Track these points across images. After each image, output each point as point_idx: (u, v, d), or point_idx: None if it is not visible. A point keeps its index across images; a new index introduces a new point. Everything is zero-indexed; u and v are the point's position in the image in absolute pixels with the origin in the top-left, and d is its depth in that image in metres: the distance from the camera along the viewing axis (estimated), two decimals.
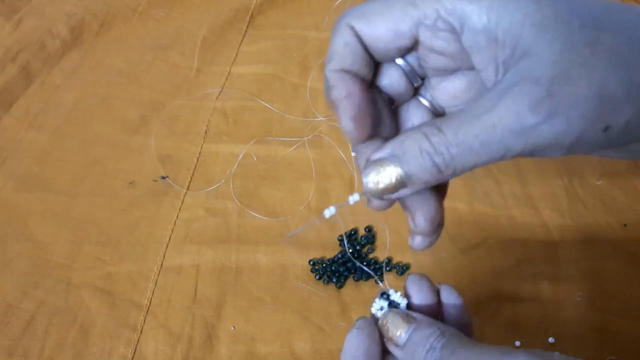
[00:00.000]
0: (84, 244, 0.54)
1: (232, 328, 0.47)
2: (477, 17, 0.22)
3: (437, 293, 0.29)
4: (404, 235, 0.54)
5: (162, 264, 0.52)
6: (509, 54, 0.22)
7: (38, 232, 0.55)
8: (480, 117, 0.21)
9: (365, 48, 0.25)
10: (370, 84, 0.26)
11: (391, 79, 0.27)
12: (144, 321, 0.48)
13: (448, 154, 0.22)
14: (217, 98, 0.71)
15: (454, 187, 0.58)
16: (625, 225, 0.55)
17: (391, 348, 0.27)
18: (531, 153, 0.21)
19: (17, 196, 0.59)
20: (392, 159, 0.23)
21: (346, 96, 0.24)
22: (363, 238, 0.54)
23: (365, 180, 0.24)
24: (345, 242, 0.53)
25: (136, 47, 0.80)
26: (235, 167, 0.61)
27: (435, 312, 0.29)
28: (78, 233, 0.55)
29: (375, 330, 0.27)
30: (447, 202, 0.58)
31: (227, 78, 0.75)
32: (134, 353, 0.46)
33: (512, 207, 0.57)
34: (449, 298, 0.29)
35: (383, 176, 0.23)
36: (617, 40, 0.21)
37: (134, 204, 0.58)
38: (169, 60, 0.78)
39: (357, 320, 0.27)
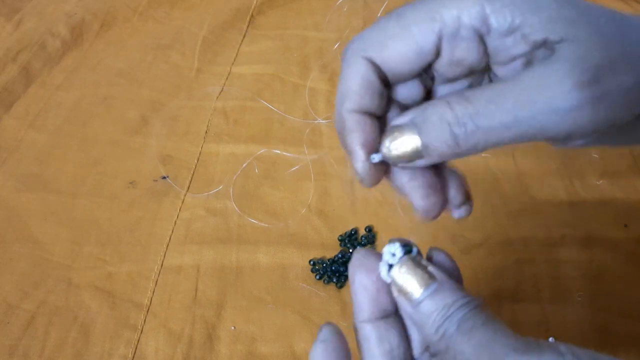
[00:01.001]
0: (84, 244, 0.54)
1: (232, 328, 0.47)
2: (502, 18, 0.22)
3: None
4: (404, 235, 0.54)
5: (162, 264, 0.52)
6: (540, 44, 0.21)
7: (38, 232, 0.55)
8: (516, 92, 0.20)
9: (382, 77, 0.23)
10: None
11: (405, 95, 0.25)
12: (145, 321, 0.48)
13: (472, 125, 0.21)
14: (217, 98, 0.71)
15: None
16: (625, 225, 0.55)
17: (400, 301, 0.23)
18: (565, 137, 0.21)
19: (17, 196, 0.59)
20: (411, 126, 0.22)
21: (363, 144, 0.23)
22: (363, 238, 0.54)
23: (381, 145, 0.23)
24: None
25: (136, 47, 0.80)
26: (237, 175, 0.61)
27: None
28: (78, 233, 0.55)
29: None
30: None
31: (227, 78, 0.75)
32: (135, 353, 0.46)
33: (512, 208, 0.57)
34: (440, 259, 0.26)
35: (399, 143, 0.22)
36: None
37: (134, 204, 0.58)
38: (169, 60, 0.78)
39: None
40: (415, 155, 0.22)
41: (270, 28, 0.84)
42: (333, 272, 0.50)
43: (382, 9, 0.82)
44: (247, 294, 0.50)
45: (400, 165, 0.23)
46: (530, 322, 0.47)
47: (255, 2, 0.87)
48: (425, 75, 0.25)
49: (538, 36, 0.21)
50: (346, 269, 0.51)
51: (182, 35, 0.82)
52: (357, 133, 0.23)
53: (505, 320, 0.50)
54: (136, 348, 0.46)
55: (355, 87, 0.23)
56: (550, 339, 0.48)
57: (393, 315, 0.24)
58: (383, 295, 0.24)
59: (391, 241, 0.25)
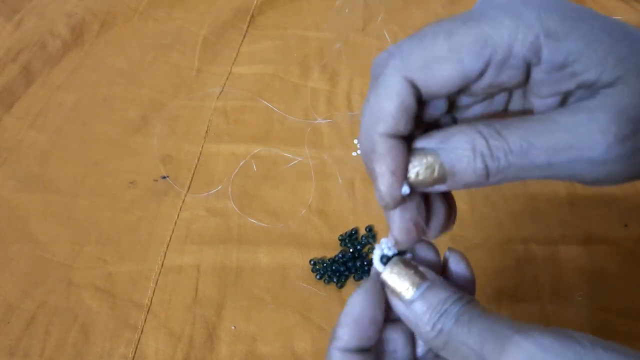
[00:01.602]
0: (84, 244, 0.54)
1: (232, 328, 0.47)
2: (556, 52, 0.20)
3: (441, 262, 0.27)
4: None
5: (162, 264, 0.52)
6: (587, 85, 0.20)
7: (39, 232, 0.55)
8: (553, 135, 0.20)
9: (418, 98, 0.22)
10: None
11: (433, 112, 0.24)
12: (145, 321, 0.48)
13: (505, 161, 0.20)
14: (217, 98, 0.71)
15: None
16: (625, 225, 0.55)
17: (394, 303, 0.24)
18: (594, 182, 0.21)
19: (17, 196, 0.59)
20: (438, 150, 0.21)
21: (394, 171, 0.22)
22: (364, 238, 0.54)
23: (409, 166, 0.22)
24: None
25: (137, 47, 0.80)
26: (234, 173, 0.61)
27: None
28: (79, 233, 0.55)
29: (382, 296, 0.24)
30: None
31: (227, 78, 0.75)
32: (135, 353, 0.46)
33: (512, 207, 0.57)
34: (459, 268, 0.26)
35: (424, 169, 0.22)
36: None
37: (134, 203, 0.58)
38: (169, 60, 0.78)
39: (365, 281, 0.24)
40: (439, 180, 0.22)
41: (271, 28, 0.84)
42: (333, 272, 0.51)
43: (381, 11, 0.82)
44: (248, 294, 0.50)
45: (419, 189, 0.22)
46: (530, 322, 0.47)
47: (255, 2, 0.87)
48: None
49: (588, 77, 0.20)
50: (347, 269, 0.51)
51: (182, 35, 0.82)
52: (389, 159, 0.22)
53: None
54: (136, 348, 0.46)
55: (392, 110, 0.21)
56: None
57: (369, 352, 0.24)
58: (371, 334, 0.23)
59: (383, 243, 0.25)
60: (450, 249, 0.26)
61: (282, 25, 0.85)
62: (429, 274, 0.24)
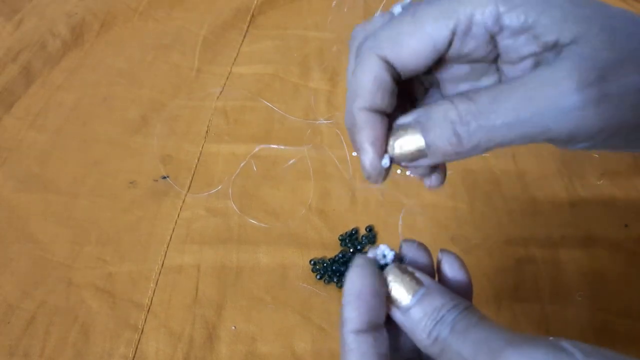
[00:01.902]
0: (84, 244, 0.54)
1: (232, 328, 0.47)
2: (515, 17, 0.21)
3: (433, 263, 0.26)
4: (405, 235, 0.54)
5: (162, 264, 0.52)
6: (551, 46, 0.21)
7: (39, 232, 0.55)
8: (520, 91, 0.20)
9: (393, 75, 0.24)
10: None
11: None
12: (145, 321, 0.48)
13: (475, 124, 0.21)
14: (217, 98, 0.71)
15: (455, 187, 0.58)
16: (625, 225, 0.55)
17: (391, 310, 0.24)
18: (568, 137, 0.21)
19: (17, 196, 0.59)
20: (415, 125, 0.23)
21: (373, 142, 0.24)
22: (364, 238, 0.54)
23: (388, 144, 0.23)
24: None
25: (137, 47, 0.80)
26: (235, 174, 0.61)
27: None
28: (79, 233, 0.55)
29: (376, 267, 0.24)
30: (448, 203, 0.58)
31: (227, 78, 0.75)
32: (135, 353, 0.46)
33: (512, 208, 0.57)
34: (452, 271, 0.26)
35: (404, 142, 0.23)
36: None
37: (134, 203, 0.58)
38: (169, 60, 0.78)
39: (356, 258, 0.24)
40: (419, 154, 0.23)
41: (271, 28, 0.84)
42: (333, 271, 0.51)
43: (380, 8, 0.82)
44: (248, 294, 0.50)
45: (403, 164, 0.24)
46: (530, 322, 0.47)
47: (255, 2, 0.87)
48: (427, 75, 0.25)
49: (549, 37, 0.21)
50: (347, 269, 0.51)
51: (182, 35, 0.82)
52: (367, 131, 0.24)
53: (505, 320, 0.50)
54: (136, 348, 0.46)
55: (368, 85, 0.23)
56: (550, 339, 0.48)
57: (381, 326, 0.23)
58: (376, 306, 0.23)
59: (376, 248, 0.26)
60: (442, 251, 0.26)
61: (282, 25, 0.85)
62: (426, 279, 0.24)
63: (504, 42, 0.23)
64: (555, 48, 0.21)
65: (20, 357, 0.45)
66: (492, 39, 0.23)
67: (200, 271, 0.51)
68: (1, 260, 0.52)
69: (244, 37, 0.83)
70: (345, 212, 0.57)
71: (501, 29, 0.22)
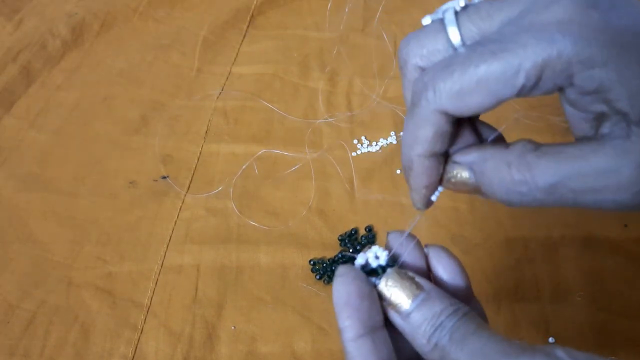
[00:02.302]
0: (84, 243, 0.54)
1: (232, 328, 0.47)
2: (588, 80, 0.20)
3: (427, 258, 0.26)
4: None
5: (162, 264, 0.52)
6: (621, 113, 0.20)
7: (39, 231, 0.55)
8: (583, 177, 0.20)
9: (453, 121, 0.23)
10: None
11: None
12: (145, 321, 0.48)
13: (530, 197, 0.21)
14: (217, 98, 0.71)
15: None
16: (625, 225, 0.55)
17: (391, 315, 0.24)
18: (621, 208, 0.21)
19: (17, 196, 0.59)
20: (470, 171, 0.23)
21: (427, 186, 0.25)
22: (363, 238, 0.54)
23: (443, 179, 0.25)
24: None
25: (137, 47, 0.80)
26: (237, 175, 0.61)
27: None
28: (79, 233, 0.55)
29: (360, 272, 0.24)
30: (448, 202, 0.58)
31: (227, 78, 0.75)
32: (135, 352, 0.46)
33: (512, 207, 0.57)
34: (440, 263, 0.26)
35: (457, 182, 0.24)
36: None
37: (134, 203, 0.58)
38: (169, 60, 0.78)
39: (338, 268, 0.25)
40: (471, 192, 0.24)
41: (271, 28, 0.84)
42: (333, 272, 0.51)
43: (380, 9, 0.82)
44: (247, 294, 0.50)
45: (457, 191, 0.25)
46: (530, 322, 0.47)
47: (255, 2, 0.87)
48: None
49: (621, 107, 0.20)
50: None
51: (182, 35, 0.82)
52: (424, 176, 0.24)
53: (505, 320, 0.50)
54: (136, 348, 0.46)
55: (428, 136, 0.23)
56: (550, 339, 0.48)
57: (380, 328, 0.23)
58: (368, 309, 0.23)
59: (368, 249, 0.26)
60: (428, 246, 0.26)
61: (282, 25, 0.85)
62: (426, 284, 0.24)
63: (571, 95, 0.22)
64: (625, 117, 0.20)
65: (20, 357, 0.45)
66: (560, 88, 0.22)
67: (200, 271, 0.51)
68: (1, 260, 0.52)
69: (244, 37, 0.83)
70: (345, 212, 0.57)
71: (571, 84, 0.21)
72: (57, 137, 0.66)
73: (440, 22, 0.24)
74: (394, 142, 0.64)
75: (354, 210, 0.57)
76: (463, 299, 0.25)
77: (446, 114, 0.23)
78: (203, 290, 0.50)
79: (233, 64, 0.77)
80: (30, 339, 0.47)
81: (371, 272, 0.25)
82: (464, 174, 0.24)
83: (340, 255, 0.52)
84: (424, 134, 0.23)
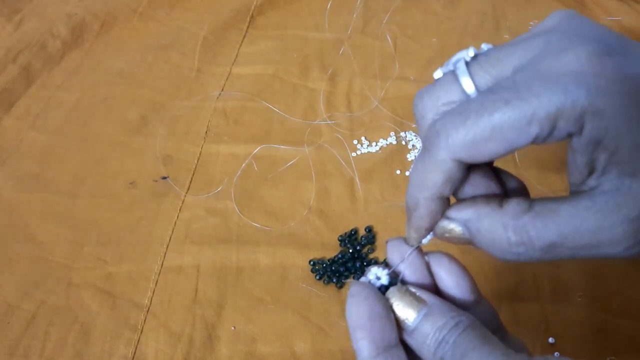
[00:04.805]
0: (84, 244, 0.54)
1: (232, 328, 0.47)
2: (597, 131, 0.20)
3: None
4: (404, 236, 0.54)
5: (162, 264, 0.52)
6: (618, 162, 0.21)
7: (38, 232, 0.55)
8: (580, 236, 0.21)
9: (463, 167, 0.23)
10: None
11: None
12: (145, 321, 0.48)
13: (526, 256, 0.22)
14: (217, 98, 0.71)
15: None
16: None
17: (402, 332, 0.24)
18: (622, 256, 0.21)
19: (17, 196, 0.59)
20: (464, 229, 0.23)
21: (428, 227, 0.25)
22: (363, 238, 0.54)
23: (436, 228, 0.25)
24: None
25: (137, 47, 0.80)
26: (237, 175, 0.61)
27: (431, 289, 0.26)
28: (78, 233, 0.55)
29: (373, 290, 0.25)
30: None
31: (227, 78, 0.75)
32: (135, 353, 0.46)
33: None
34: (442, 270, 0.26)
35: (450, 236, 0.24)
36: None
37: (134, 204, 0.58)
38: (169, 60, 0.78)
39: (350, 286, 0.25)
40: (464, 243, 0.24)
41: (271, 28, 0.84)
42: (333, 272, 0.51)
43: (388, 15, 0.82)
44: (247, 294, 0.50)
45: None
46: (530, 322, 0.47)
47: (255, 3, 0.87)
48: None
49: (621, 156, 0.20)
50: (346, 270, 0.51)
51: (182, 35, 0.82)
52: (427, 218, 0.25)
53: (505, 320, 0.50)
54: (136, 348, 0.46)
55: (438, 181, 0.23)
56: (550, 339, 0.48)
57: (395, 346, 0.24)
58: (380, 329, 0.23)
59: (373, 266, 0.26)
60: (429, 254, 0.27)
61: (282, 25, 0.85)
62: (428, 297, 0.24)
63: (575, 142, 0.22)
64: (620, 166, 0.21)
65: (20, 357, 0.45)
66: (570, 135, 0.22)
67: (199, 271, 0.51)
68: (1, 260, 0.52)
69: (244, 37, 0.83)
70: (345, 212, 0.57)
71: (580, 134, 0.21)
72: (57, 137, 0.66)
73: (452, 74, 0.23)
74: (394, 142, 0.64)
75: (354, 211, 0.57)
76: (470, 301, 0.25)
77: (459, 161, 0.23)
78: (203, 291, 0.50)
79: (233, 64, 0.77)
80: (30, 339, 0.46)
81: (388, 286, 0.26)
82: (458, 230, 0.24)
83: (339, 256, 0.52)
84: (435, 178, 0.23)
